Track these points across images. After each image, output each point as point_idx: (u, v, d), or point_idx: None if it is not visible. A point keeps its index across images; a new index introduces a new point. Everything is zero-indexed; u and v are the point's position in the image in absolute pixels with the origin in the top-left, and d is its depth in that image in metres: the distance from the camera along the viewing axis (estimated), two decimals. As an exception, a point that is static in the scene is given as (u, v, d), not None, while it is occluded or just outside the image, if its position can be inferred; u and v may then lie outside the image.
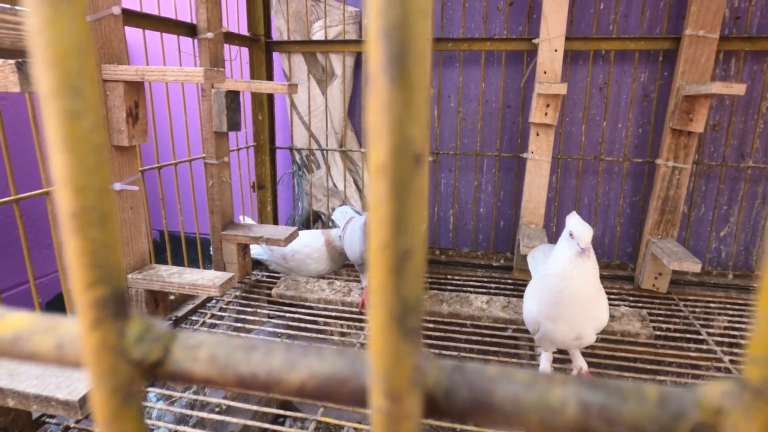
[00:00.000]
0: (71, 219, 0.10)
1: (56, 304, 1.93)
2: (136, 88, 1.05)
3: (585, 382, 0.10)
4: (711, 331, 1.39)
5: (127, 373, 0.11)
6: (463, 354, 1.27)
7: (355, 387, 0.11)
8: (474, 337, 1.32)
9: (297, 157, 1.98)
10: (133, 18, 1.22)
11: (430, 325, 1.37)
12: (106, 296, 0.11)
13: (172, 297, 1.43)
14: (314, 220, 2.04)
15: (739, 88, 1.29)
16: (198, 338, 0.12)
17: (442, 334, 1.34)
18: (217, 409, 1.32)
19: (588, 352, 1.27)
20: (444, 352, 1.27)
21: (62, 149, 0.10)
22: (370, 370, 0.10)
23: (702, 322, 1.44)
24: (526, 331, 1.37)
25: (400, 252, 0.09)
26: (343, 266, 1.79)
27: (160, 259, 2.34)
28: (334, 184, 1.97)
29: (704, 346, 1.30)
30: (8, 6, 0.38)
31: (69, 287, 1.11)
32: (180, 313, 1.41)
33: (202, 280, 1.16)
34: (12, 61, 0.61)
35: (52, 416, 1.02)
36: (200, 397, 1.14)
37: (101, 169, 0.11)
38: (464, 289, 1.64)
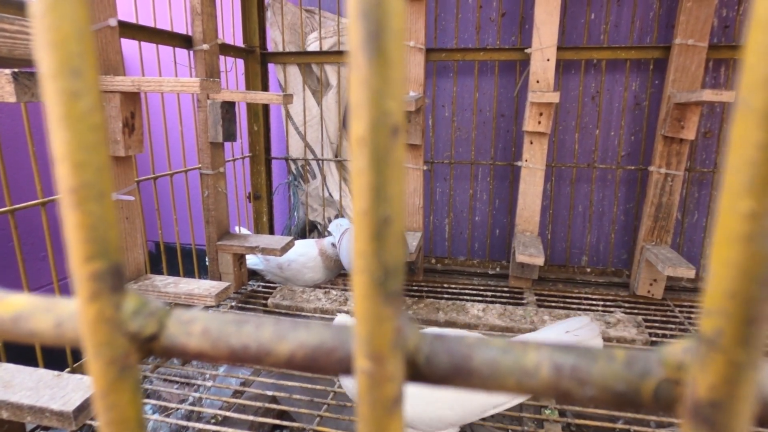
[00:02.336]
0: (70, 194, 0.11)
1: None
2: (132, 98, 1.05)
3: (558, 347, 0.11)
4: (706, 336, 1.39)
5: (123, 346, 0.12)
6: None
7: (341, 355, 0.11)
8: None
9: (293, 167, 1.99)
10: (129, 30, 1.23)
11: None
12: (104, 270, 0.11)
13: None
14: (310, 230, 2.04)
15: (729, 96, 1.30)
16: (191, 314, 0.12)
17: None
18: (213, 421, 1.31)
19: (584, 359, 1.27)
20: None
21: (62, 127, 0.10)
22: (354, 336, 0.10)
23: (697, 327, 1.44)
24: (523, 338, 1.37)
25: (380, 219, 0.10)
26: (339, 275, 1.79)
27: (156, 270, 2.33)
28: (330, 194, 1.97)
29: (700, 352, 1.30)
30: (6, 15, 0.38)
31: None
32: (176, 324, 1.40)
33: (198, 289, 1.16)
34: (8, 71, 0.62)
35: (46, 428, 1.01)
36: (196, 408, 1.13)
37: (99, 147, 0.11)
38: (460, 297, 1.65)
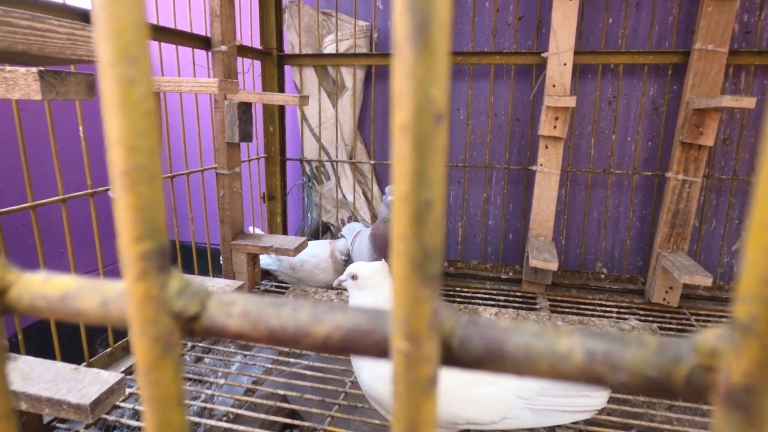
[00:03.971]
0: (123, 177, 0.11)
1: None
2: (152, 98, 1.07)
3: (590, 332, 0.11)
4: (723, 345, 1.37)
5: (167, 324, 0.12)
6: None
7: (377, 338, 0.11)
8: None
9: (307, 168, 2.00)
10: (150, 31, 1.25)
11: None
12: (152, 250, 0.12)
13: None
14: (323, 231, 2.05)
15: (749, 102, 1.29)
16: (231, 296, 0.13)
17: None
18: (225, 418, 1.32)
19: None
20: (452, 363, 1.26)
21: (118, 112, 0.11)
22: (392, 317, 0.11)
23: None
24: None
25: (421, 202, 0.10)
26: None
27: (171, 269, 2.36)
28: (344, 196, 1.98)
29: (716, 361, 1.28)
30: (37, 14, 0.39)
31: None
32: (190, 321, 1.42)
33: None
34: (35, 70, 0.64)
35: (62, 421, 1.03)
36: (209, 405, 1.14)
37: (151, 132, 0.12)
38: (473, 301, 1.64)
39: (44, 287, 0.13)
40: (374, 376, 0.84)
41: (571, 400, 0.83)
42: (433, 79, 0.10)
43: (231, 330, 0.12)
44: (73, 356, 1.42)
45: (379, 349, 0.11)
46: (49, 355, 1.06)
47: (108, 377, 0.81)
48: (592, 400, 0.83)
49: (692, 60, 1.51)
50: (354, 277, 0.89)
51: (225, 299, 0.13)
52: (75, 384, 0.80)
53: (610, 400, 1.13)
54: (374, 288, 0.87)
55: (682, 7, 1.62)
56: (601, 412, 1.06)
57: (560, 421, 0.82)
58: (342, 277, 0.92)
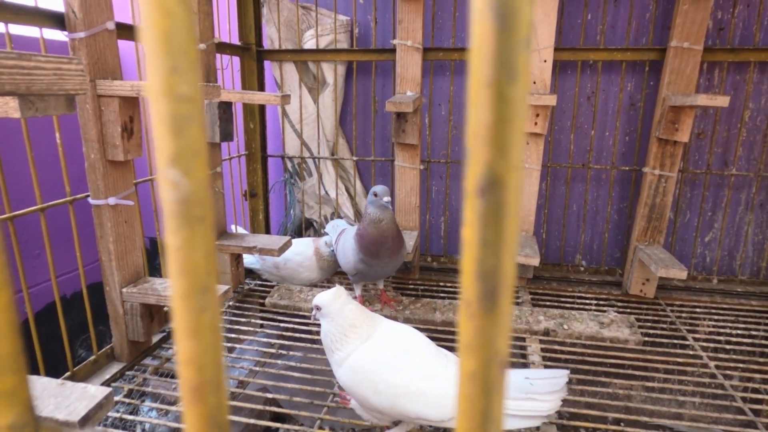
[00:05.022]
0: (193, 391, 0.12)
1: (47, 313, 1.91)
2: (131, 103, 1.05)
3: None
4: (697, 336, 1.42)
5: None
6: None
7: None
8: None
9: (289, 165, 1.99)
10: (126, 31, 1.22)
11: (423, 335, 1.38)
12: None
13: (166, 309, 1.43)
14: (306, 227, 2.05)
15: (723, 101, 1.32)
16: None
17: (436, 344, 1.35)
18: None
19: (578, 359, 1.30)
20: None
21: (190, 337, 0.12)
22: None
23: (688, 327, 1.47)
24: (519, 338, 1.39)
25: None
26: (336, 274, 1.80)
27: (152, 266, 2.33)
28: (326, 192, 1.98)
29: (690, 352, 1.33)
30: (23, 52, 0.38)
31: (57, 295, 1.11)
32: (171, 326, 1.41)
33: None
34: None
35: (47, 433, 1.01)
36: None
37: (218, 350, 0.12)
38: (456, 296, 1.66)
39: None
40: (347, 373, 0.89)
41: (520, 403, 0.82)
42: (500, 334, 0.11)
43: None
44: (53, 358, 1.40)
45: None
46: (32, 368, 1.04)
47: (95, 392, 0.80)
48: (541, 404, 0.83)
49: (668, 57, 1.53)
50: (318, 308, 0.94)
51: None
52: (62, 400, 0.79)
53: (586, 384, 1.16)
54: (337, 314, 0.91)
55: (659, 3, 1.64)
56: (580, 396, 1.09)
57: (512, 426, 0.81)
58: (313, 312, 0.97)
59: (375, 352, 0.89)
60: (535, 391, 0.83)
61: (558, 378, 0.86)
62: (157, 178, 0.12)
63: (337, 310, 0.91)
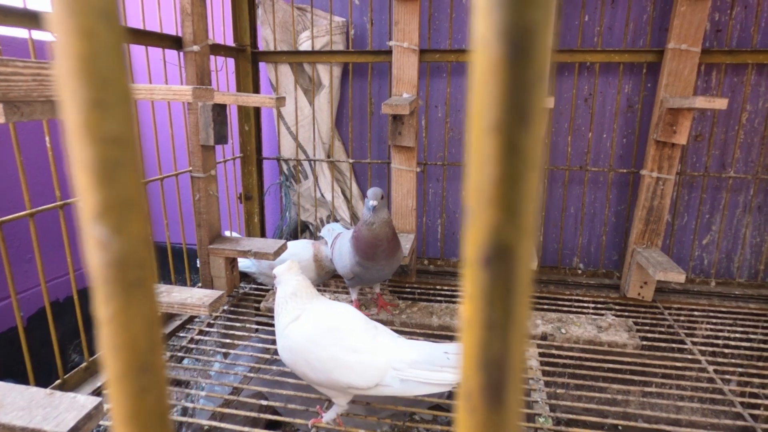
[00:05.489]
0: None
1: (41, 317, 1.89)
2: (122, 106, 1.03)
3: None
4: (695, 339, 1.41)
5: None
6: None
7: None
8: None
9: (284, 167, 1.97)
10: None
11: (420, 339, 1.37)
12: None
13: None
14: (302, 230, 2.03)
15: (721, 103, 1.31)
16: None
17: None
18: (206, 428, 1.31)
19: (576, 364, 1.29)
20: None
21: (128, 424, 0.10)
22: None
23: (686, 330, 1.46)
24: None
25: None
26: (331, 278, 1.79)
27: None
28: (322, 195, 1.96)
29: (689, 356, 1.32)
30: (2, 58, 0.37)
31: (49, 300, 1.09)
32: (168, 329, 1.39)
33: (191, 298, 1.15)
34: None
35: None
36: (191, 405, 1.12)
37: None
38: (454, 299, 1.65)
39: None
40: (285, 351, 1.01)
41: (435, 375, 0.92)
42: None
43: None
44: (46, 364, 1.38)
45: None
46: (22, 377, 1.02)
47: (85, 402, 0.78)
48: (452, 376, 0.93)
49: (666, 59, 1.52)
50: (275, 277, 1.09)
51: None
52: (51, 411, 0.77)
53: (584, 389, 1.15)
54: (284, 283, 1.05)
55: (656, 5, 1.63)
56: (578, 401, 1.08)
57: (423, 392, 0.93)
58: (275, 282, 1.09)
59: (304, 330, 0.99)
60: (450, 364, 0.93)
61: None
62: (81, 234, 0.11)
63: (286, 279, 1.05)
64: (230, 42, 1.75)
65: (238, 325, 1.47)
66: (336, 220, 1.94)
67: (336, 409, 1.04)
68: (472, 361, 0.10)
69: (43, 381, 0.99)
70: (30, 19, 0.95)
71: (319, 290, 1.71)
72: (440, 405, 1.53)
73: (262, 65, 1.85)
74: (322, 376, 0.97)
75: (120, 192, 0.10)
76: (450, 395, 1.36)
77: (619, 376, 1.22)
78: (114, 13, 0.10)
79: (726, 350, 1.36)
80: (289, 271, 1.06)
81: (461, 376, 0.11)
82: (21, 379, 0.96)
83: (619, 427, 1.07)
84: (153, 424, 0.10)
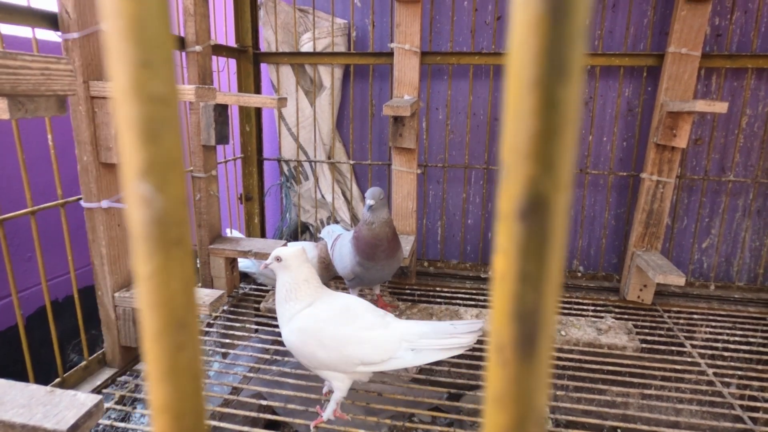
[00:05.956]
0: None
1: (41, 316, 1.88)
2: (124, 105, 1.03)
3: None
4: (694, 342, 1.41)
5: None
6: (452, 369, 1.27)
7: None
8: (464, 352, 1.32)
9: (285, 168, 1.97)
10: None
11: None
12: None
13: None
14: (302, 231, 2.03)
15: (721, 107, 1.32)
16: None
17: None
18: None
19: (576, 366, 1.29)
20: (434, 367, 1.27)
21: (164, 380, 0.10)
22: None
23: (686, 333, 1.47)
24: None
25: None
26: (332, 279, 1.79)
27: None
28: (323, 196, 1.96)
29: (688, 359, 1.32)
30: (9, 51, 0.37)
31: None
32: (167, 329, 1.39)
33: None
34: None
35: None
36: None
37: (199, 394, 0.11)
38: (453, 301, 1.65)
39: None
40: (294, 333, 1.01)
41: (445, 341, 1.00)
42: (538, 386, 0.10)
43: None
44: (46, 362, 1.38)
45: None
46: (22, 375, 1.02)
47: (85, 400, 0.78)
48: (461, 340, 1.00)
49: (666, 63, 1.53)
50: (278, 259, 1.04)
51: None
52: (51, 408, 0.77)
53: (584, 391, 1.15)
54: (296, 268, 1.03)
55: (657, 9, 1.64)
56: (577, 403, 1.08)
57: (435, 358, 1.00)
58: (268, 261, 1.05)
59: (317, 313, 1.01)
60: (457, 331, 1.01)
61: (475, 324, 1.03)
62: (125, 193, 0.11)
63: (297, 265, 1.03)
64: (232, 43, 1.76)
65: (237, 325, 1.47)
66: (336, 222, 1.94)
67: (335, 398, 1.04)
68: (505, 314, 0.10)
69: (43, 380, 0.99)
70: (34, 17, 0.95)
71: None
72: (439, 407, 1.53)
73: (263, 66, 1.86)
74: (334, 353, 0.98)
75: (164, 151, 0.10)
76: (450, 396, 1.36)
77: (619, 378, 1.22)
78: (161, -23, 0.11)
79: (725, 353, 1.36)
80: (302, 255, 1.04)
81: (492, 329, 0.11)
82: (20, 378, 0.96)
83: (618, 430, 1.07)
84: (188, 382, 0.10)
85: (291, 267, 1.03)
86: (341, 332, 0.99)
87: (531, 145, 0.10)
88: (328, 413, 1.05)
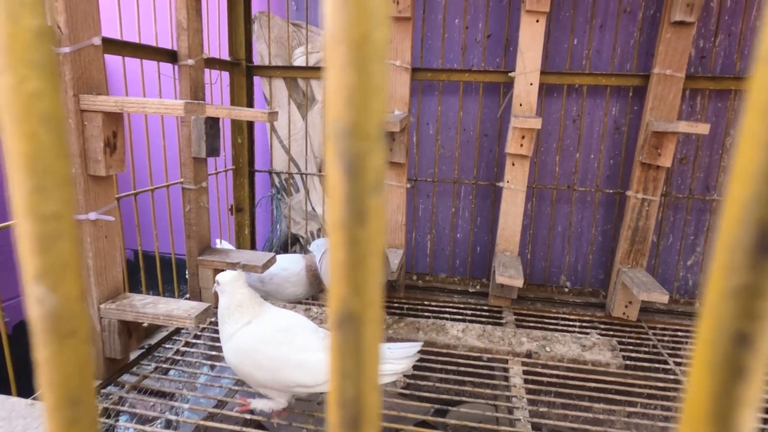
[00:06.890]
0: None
1: (24, 328, 1.87)
2: (114, 118, 1.04)
3: None
4: (678, 360, 1.43)
5: None
6: (438, 384, 1.28)
7: None
8: (449, 366, 1.33)
9: (276, 180, 1.98)
10: (114, 46, 1.22)
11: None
12: None
13: (145, 325, 1.41)
14: (292, 243, 2.04)
15: (703, 128, 1.35)
16: None
17: (418, 363, 1.35)
18: (189, 440, 1.30)
19: (559, 383, 1.29)
20: (420, 382, 1.27)
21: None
22: None
23: (670, 351, 1.48)
24: (501, 360, 1.39)
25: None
26: (320, 291, 1.79)
27: (134, 280, 2.30)
28: (313, 208, 1.97)
29: (671, 376, 1.34)
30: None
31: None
32: (153, 341, 1.39)
33: (178, 310, 1.15)
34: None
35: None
36: (174, 417, 1.12)
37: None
38: (441, 315, 1.66)
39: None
40: (232, 352, 1.03)
41: (382, 367, 0.96)
42: None
43: None
44: (28, 376, 1.37)
45: None
46: (4, 386, 1.02)
47: (66, 413, 0.78)
48: (395, 366, 1.01)
49: (651, 84, 1.56)
50: (217, 283, 1.08)
51: None
52: (31, 421, 0.77)
53: (571, 407, 1.16)
54: (229, 293, 1.06)
55: (643, 31, 1.68)
56: (563, 420, 1.09)
57: None
58: (215, 285, 1.09)
59: (255, 333, 1.02)
60: (393, 356, 1.01)
61: (411, 348, 1.04)
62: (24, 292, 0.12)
63: (231, 290, 1.05)
64: (225, 55, 1.78)
65: (224, 337, 1.46)
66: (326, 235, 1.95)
67: (275, 405, 1.06)
68: (333, 402, 0.12)
69: (27, 392, 0.99)
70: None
71: (306, 303, 1.72)
72: (426, 421, 1.53)
73: (256, 79, 1.87)
74: (268, 375, 0.99)
75: (56, 258, 0.12)
76: (436, 412, 1.36)
77: (603, 395, 1.23)
78: (57, 118, 0.12)
79: (708, 371, 1.37)
80: (235, 282, 1.06)
81: (327, 415, 0.13)
82: (2, 390, 0.96)
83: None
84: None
85: (225, 292, 1.06)
86: (277, 353, 0.99)
87: (342, 272, 0.12)
88: (261, 405, 1.07)
